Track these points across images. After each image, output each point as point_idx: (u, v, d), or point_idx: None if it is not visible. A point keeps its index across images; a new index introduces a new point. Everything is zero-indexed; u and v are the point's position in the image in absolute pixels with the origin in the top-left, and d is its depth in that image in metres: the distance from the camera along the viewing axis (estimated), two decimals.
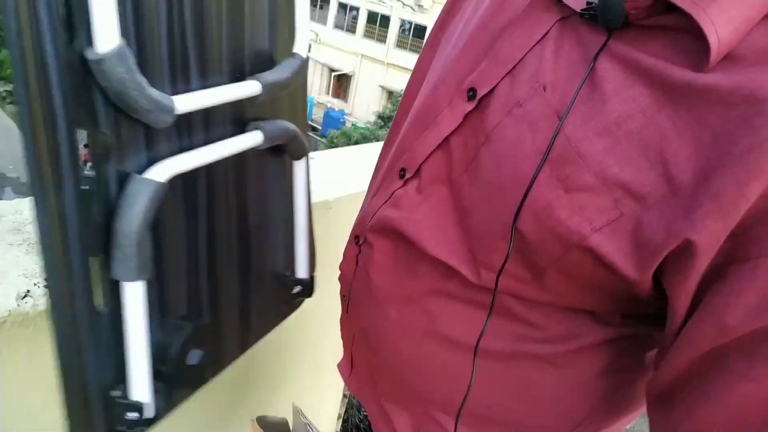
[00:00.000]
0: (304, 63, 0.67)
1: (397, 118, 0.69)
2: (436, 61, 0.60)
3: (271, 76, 0.62)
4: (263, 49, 0.63)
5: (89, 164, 0.47)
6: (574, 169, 0.43)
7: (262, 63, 0.64)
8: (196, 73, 0.56)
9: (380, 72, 18.87)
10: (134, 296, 0.51)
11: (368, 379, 0.69)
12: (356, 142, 13.73)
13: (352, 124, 17.83)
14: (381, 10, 18.79)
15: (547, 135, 0.44)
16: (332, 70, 20.23)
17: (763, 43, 0.37)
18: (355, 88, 20.00)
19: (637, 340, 0.53)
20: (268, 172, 0.70)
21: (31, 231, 0.83)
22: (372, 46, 19.20)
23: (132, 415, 0.54)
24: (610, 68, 0.43)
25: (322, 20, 20.16)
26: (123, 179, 0.50)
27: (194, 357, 0.61)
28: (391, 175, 0.61)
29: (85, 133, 0.47)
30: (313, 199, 1.13)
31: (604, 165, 0.42)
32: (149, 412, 0.56)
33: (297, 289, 0.81)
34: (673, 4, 0.39)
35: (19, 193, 15.08)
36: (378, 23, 19.04)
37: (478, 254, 0.51)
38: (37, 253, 0.55)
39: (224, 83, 0.59)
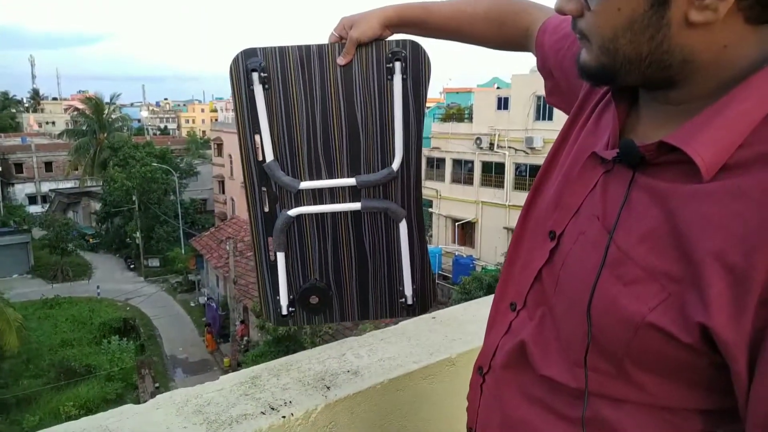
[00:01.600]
0: (393, 173, 1.08)
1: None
2: (527, 218, 0.77)
3: (365, 177, 1.08)
4: (371, 161, 1.08)
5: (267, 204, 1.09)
6: (628, 269, 0.56)
7: (371, 168, 1.08)
8: (324, 170, 1.06)
9: (502, 215, 19.19)
10: (280, 258, 1.10)
11: None
12: (489, 285, 13.58)
13: (482, 268, 17.83)
14: (494, 159, 19.70)
15: (603, 248, 0.59)
16: (455, 221, 20.96)
17: (743, 157, 0.52)
18: (480, 234, 20.35)
19: None
20: (382, 224, 1.13)
21: (209, 411, 1.02)
22: (491, 193, 19.84)
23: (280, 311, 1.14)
24: (639, 195, 0.58)
25: (440, 178, 21.49)
26: (281, 210, 1.08)
27: (313, 300, 1.13)
28: (502, 308, 0.76)
29: (265, 190, 1.06)
30: (436, 358, 1.23)
31: (648, 261, 0.55)
32: (284, 311, 1.13)
33: (402, 299, 1.16)
34: (672, 145, 0.55)
35: (188, 372, 16.61)
36: (493, 171, 19.86)
37: (571, 355, 0.63)
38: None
39: (343, 176, 1.07)
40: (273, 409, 1.03)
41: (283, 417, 1.01)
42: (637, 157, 0.58)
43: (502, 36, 0.99)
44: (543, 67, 0.92)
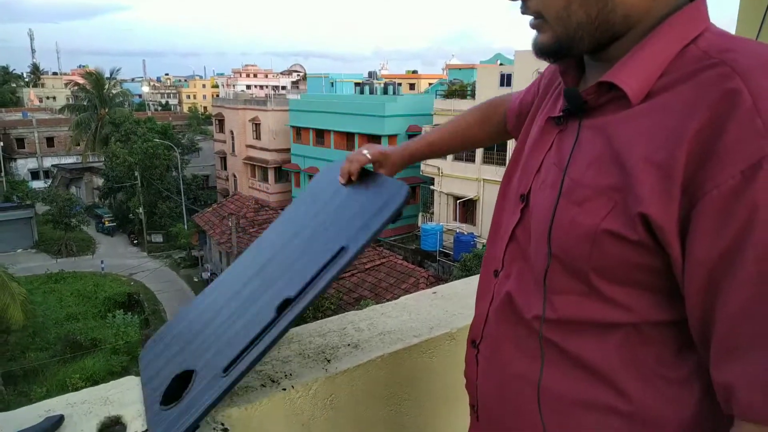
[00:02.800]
0: None
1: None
2: (504, 196, 0.84)
3: None
4: None
5: None
6: (579, 192, 0.65)
7: None
8: None
9: None
10: None
11: None
12: None
13: (483, 245, 17.85)
14: None
15: (559, 184, 0.67)
16: (457, 198, 20.91)
17: (663, 84, 0.61)
18: (481, 211, 20.31)
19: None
20: None
21: None
22: (492, 170, 19.73)
23: None
24: (586, 134, 0.67)
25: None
26: None
27: None
28: (487, 278, 0.81)
29: None
30: (436, 332, 1.23)
31: (596, 181, 0.63)
32: None
33: None
34: (608, 82, 0.64)
35: None
36: (495, 148, 19.71)
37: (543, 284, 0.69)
38: None
39: None
40: (273, 381, 1.03)
41: (284, 389, 1.01)
42: (580, 100, 0.67)
43: (493, 132, 1.13)
44: (515, 128, 1.01)
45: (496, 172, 19.55)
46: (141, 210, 25.04)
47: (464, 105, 20.98)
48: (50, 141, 35.44)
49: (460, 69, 27.63)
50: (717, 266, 0.54)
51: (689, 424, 0.63)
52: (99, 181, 29.93)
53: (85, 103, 31.87)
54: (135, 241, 26.71)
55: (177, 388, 0.92)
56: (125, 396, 1.01)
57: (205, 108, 51.75)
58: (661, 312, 0.63)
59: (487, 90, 19.99)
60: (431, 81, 33.64)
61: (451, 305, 1.40)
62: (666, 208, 0.57)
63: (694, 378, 0.63)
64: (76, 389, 1.09)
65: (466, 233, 19.66)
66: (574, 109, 0.69)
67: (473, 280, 1.66)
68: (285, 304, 0.90)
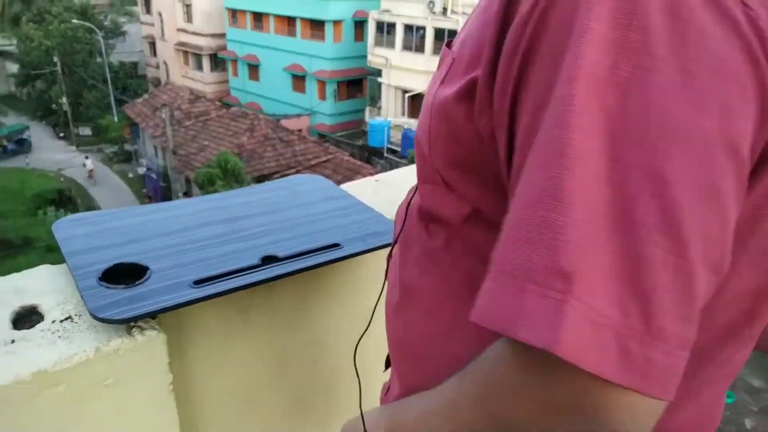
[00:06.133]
0: None
1: None
2: None
3: None
4: None
5: None
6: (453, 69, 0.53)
7: None
8: None
9: None
10: None
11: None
12: None
13: None
14: (447, 25, 18.85)
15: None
16: (405, 92, 20.49)
17: None
18: None
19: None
20: None
21: None
22: None
23: None
24: None
25: (390, 45, 20.55)
26: None
27: None
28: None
29: None
30: None
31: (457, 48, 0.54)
32: None
33: None
34: None
35: None
36: (446, 38, 19.03)
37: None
38: None
39: None
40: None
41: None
42: None
43: None
44: None
45: None
46: (64, 100, 23.17)
47: None
48: None
49: None
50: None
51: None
52: (13, 67, 27.20)
53: None
54: (61, 135, 25.00)
55: (116, 275, 0.90)
56: (41, 285, 0.90)
57: None
58: (487, 202, 0.52)
59: None
60: None
61: (392, 192, 1.30)
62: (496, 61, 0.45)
63: None
64: None
65: (414, 129, 19.52)
66: None
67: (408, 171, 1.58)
68: (270, 260, 0.95)
